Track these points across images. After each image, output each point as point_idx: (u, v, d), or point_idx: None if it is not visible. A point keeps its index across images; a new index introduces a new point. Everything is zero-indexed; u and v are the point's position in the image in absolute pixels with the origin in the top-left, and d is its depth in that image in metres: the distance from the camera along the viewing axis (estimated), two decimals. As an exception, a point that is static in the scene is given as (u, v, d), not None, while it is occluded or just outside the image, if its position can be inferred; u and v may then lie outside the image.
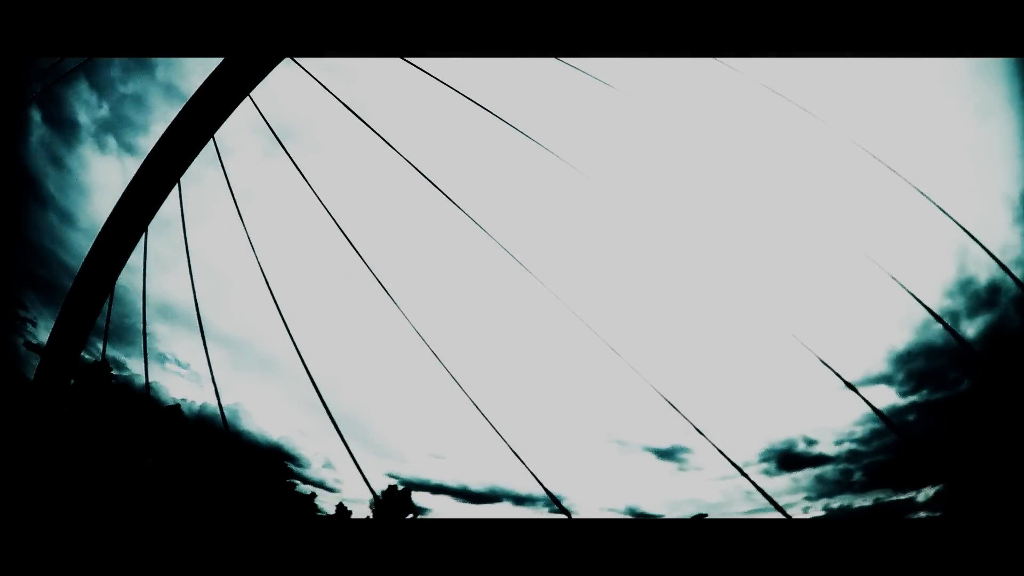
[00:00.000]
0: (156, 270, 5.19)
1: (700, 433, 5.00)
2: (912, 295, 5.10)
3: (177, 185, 5.02)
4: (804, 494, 28.79)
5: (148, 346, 5.41)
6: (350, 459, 4.53)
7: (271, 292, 4.58)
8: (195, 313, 4.89)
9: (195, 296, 4.83)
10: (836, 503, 28.02)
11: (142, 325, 5.21)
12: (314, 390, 4.42)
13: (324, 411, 4.38)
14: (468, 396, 4.37)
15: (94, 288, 5.41)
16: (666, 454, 34.56)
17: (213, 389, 4.92)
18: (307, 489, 32.95)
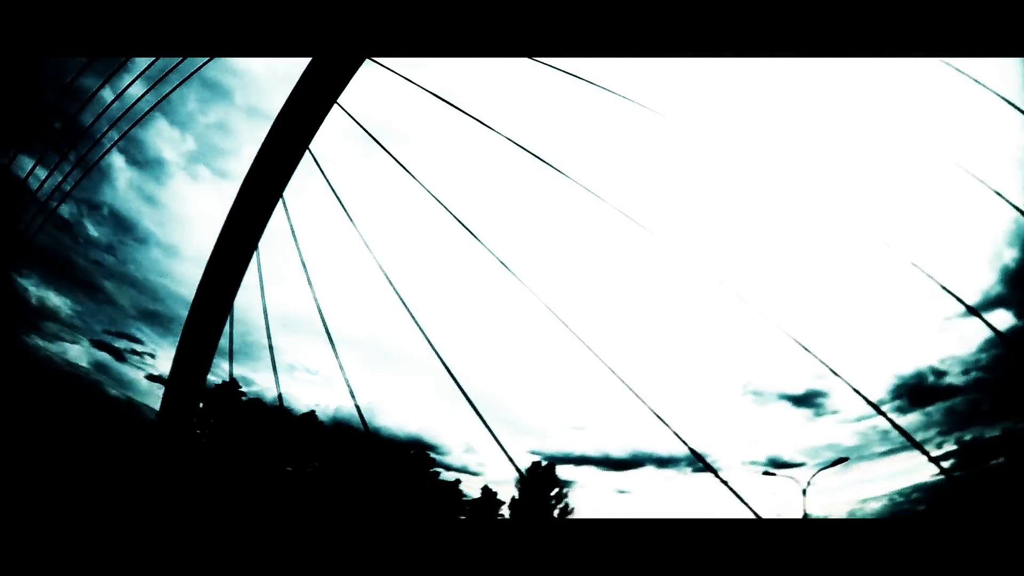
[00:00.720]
0: (271, 284, 5.35)
1: (834, 373, 4.87)
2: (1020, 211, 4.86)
3: (282, 200, 5.16)
4: (936, 429, 28.21)
5: (276, 359, 5.59)
6: (492, 440, 4.59)
7: (392, 285, 4.66)
8: (319, 319, 5.03)
9: (316, 302, 4.97)
10: (968, 435, 27.33)
11: (267, 339, 5.39)
12: (449, 377, 4.48)
13: (460, 397, 4.44)
14: (603, 362, 4.36)
15: (212, 311, 5.62)
16: (801, 400, 34.34)
17: (347, 390, 5.04)
18: (451, 476, 33.65)
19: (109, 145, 8.43)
